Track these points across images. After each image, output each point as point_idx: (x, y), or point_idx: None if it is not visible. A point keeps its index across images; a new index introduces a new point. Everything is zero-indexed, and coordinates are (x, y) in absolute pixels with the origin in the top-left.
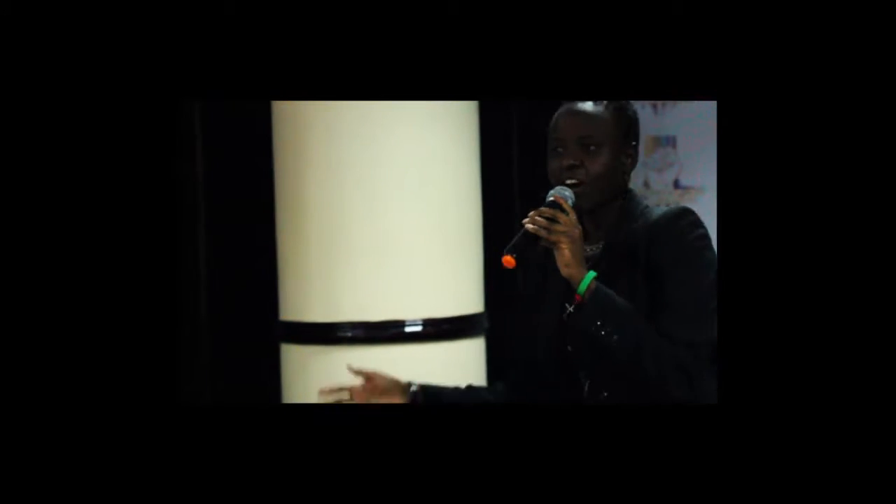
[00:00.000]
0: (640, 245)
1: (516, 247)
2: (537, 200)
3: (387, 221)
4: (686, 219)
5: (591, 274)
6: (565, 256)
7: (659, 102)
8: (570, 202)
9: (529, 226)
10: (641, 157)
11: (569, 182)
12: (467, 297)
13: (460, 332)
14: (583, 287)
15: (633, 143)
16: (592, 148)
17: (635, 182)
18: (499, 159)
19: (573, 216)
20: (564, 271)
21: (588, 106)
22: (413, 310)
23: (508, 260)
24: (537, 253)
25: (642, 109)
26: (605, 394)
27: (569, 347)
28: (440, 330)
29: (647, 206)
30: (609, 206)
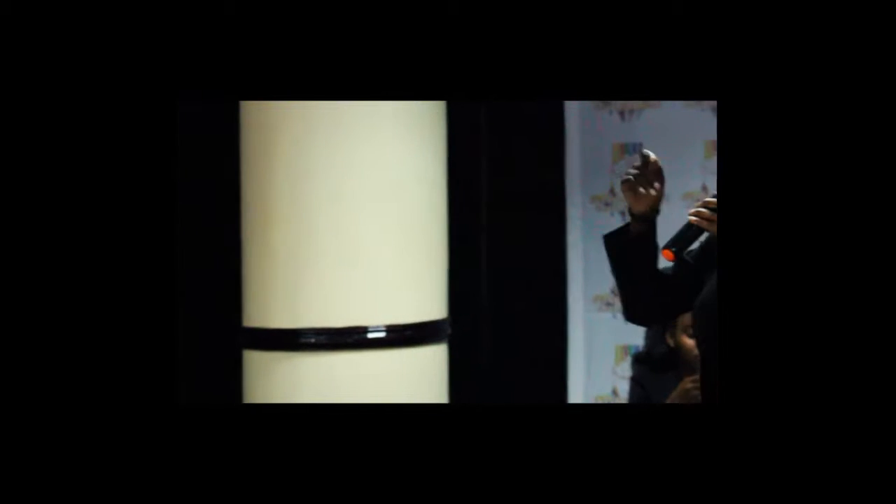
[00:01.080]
0: None
1: (677, 240)
2: (503, 206)
3: (351, 227)
4: None
5: None
6: None
7: (626, 109)
8: None
9: (692, 218)
10: (608, 165)
11: None
12: (430, 304)
13: (423, 339)
14: None
15: None
16: None
17: (601, 188)
18: (466, 165)
19: None
20: None
21: None
22: (376, 316)
23: (667, 254)
24: (697, 246)
25: (609, 116)
26: None
27: None
28: (403, 336)
29: None
30: None
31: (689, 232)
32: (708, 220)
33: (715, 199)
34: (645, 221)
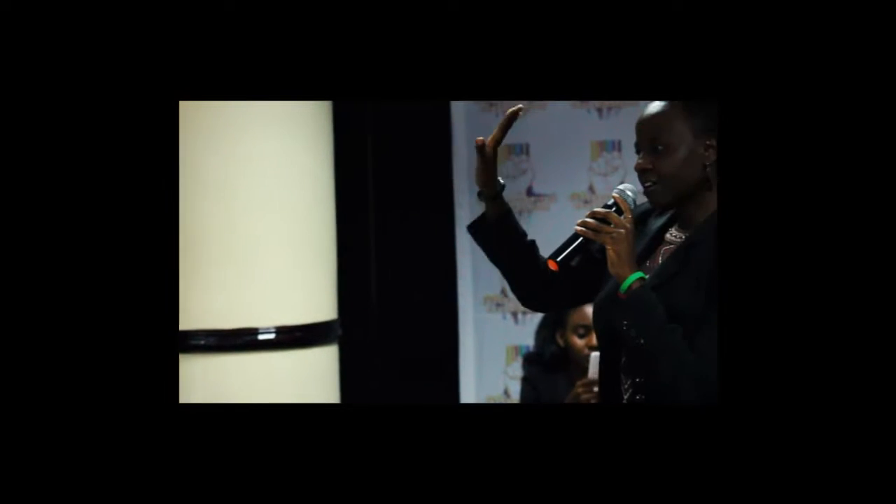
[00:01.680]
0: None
1: (561, 250)
2: (391, 206)
3: (240, 229)
4: None
5: (636, 275)
6: (611, 256)
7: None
8: (629, 200)
9: (578, 228)
10: None
11: (645, 184)
12: (320, 305)
13: (313, 340)
14: (624, 287)
15: (714, 134)
16: (660, 148)
17: None
18: (353, 166)
19: (628, 215)
20: (611, 269)
21: (655, 107)
22: (266, 317)
23: (552, 264)
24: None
25: (495, 117)
26: (639, 379)
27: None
28: (293, 337)
29: None
30: (695, 199)
31: (575, 242)
32: (594, 230)
33: (601, 209)
34: (492, 201)
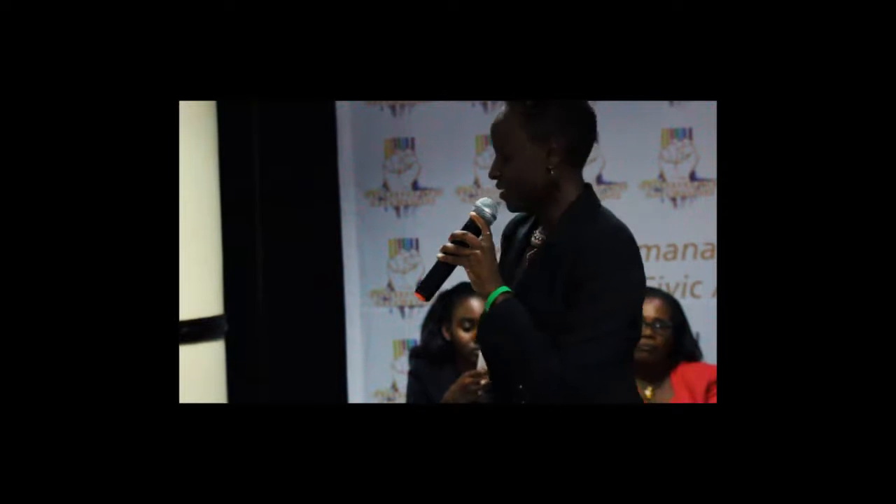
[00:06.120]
0: (570, 253)
1: (426, 282)
2: (277, 203)
3: None
4: (614, 241)
5: (499, 290)
6: (472, 276)
7: (398, 104)
8: (487, 214)
9: (440, 255)
10: (380, 160)
11: (499, 190)
12: (206, 300)
13: (199, 335)
14: (488, 305)
15: (556, 137)
16: (506, 155)
17: (375, 184)
18: (239, 161)
19: (486, 232)
20: (475, 289)
21: (500, 114)
22: None
23: (419, 296)
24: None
25: (380, 111)
26: (521, 386)
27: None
28: (179, 333)
29: (599, 210)
30: (548, 200)
31: (439, 271)
32: (454, 254)
33: (459, 232)
34: None
